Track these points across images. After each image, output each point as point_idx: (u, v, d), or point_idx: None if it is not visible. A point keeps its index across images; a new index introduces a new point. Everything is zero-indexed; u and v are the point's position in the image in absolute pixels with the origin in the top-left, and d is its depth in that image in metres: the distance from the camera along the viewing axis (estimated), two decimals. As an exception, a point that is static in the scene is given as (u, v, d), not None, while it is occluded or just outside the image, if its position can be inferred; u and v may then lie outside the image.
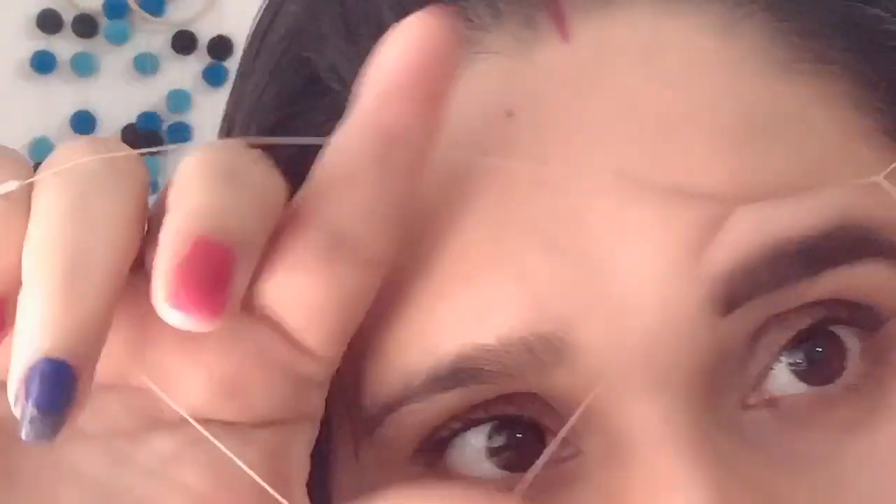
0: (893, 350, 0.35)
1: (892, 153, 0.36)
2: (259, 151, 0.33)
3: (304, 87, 0.38)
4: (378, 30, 0.33)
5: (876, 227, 0.34)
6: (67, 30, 1.69)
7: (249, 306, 0.32)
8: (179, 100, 1.74)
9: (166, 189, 0.32)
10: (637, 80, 0.35)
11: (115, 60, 1.72)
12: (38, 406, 0.29)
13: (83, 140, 0.33)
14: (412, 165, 0.32)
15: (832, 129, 0.36)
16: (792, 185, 0.34)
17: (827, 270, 0.34)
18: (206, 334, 0.31)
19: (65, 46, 1.69)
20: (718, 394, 0.34)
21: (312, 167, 0.33)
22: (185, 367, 0.32)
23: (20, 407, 0.30)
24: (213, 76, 1.75)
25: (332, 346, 0.33)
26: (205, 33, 1.74)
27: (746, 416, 0.35)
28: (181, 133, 1.75)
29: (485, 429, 0.35)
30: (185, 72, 1.75)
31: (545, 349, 0.33)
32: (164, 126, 1.75)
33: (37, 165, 0.33)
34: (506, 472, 0.35)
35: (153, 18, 1.72)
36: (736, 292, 0.33)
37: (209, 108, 1.74)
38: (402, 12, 0.34)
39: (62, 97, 1.70)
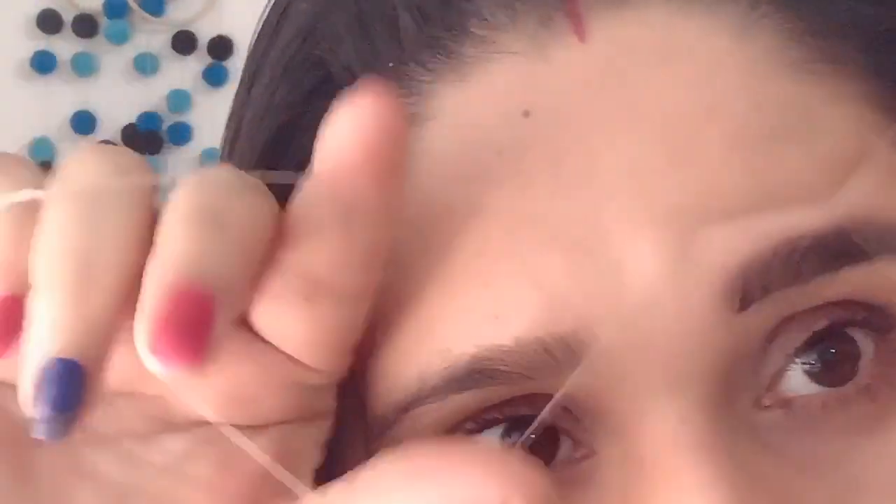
0: (906, 351, 0.35)
1: (907, 152, 0.36)
2: (249, 178, 0.32)
3: (316, 86, 0.38)
4: (393, 29, 0.33)
5: (893, 225, 0.35)
6: (67, 30, 1.69)
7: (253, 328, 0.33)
8: (179, 100, 1.75)
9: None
10: (652, 80, 0.35)
11: (115, 60, 1.72)
12: (51, 405, 0.30)
13: (93, 150, 0.33)
14: (379, 225, 0.32)
15: (847, 128, 0.36)
16: (808, 185, 0.34)
17: (844, 268, 0.34)
18: None
19: (65, 46, 1.69)
20: (734, 395, 0.34)
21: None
22: (194, 380, 0.32)
23: (33, 406, 0.30)
24: (213, 76, 1.75)
25: (334, 364, 0.33)
26: (205, 33, 1.74)
27: (761, 417, 0.35)
28: (181, 133, 1.75)
29: (499, 430, 0.35)
30: (185, 72, 1.75)
31: (561, 349, 0.33)
32: (164, 126, 1.75)
33: (38, 165, 0.33)
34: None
35: (153, 18, 1.72)
36: (751, 287, 0.33)
37: (209, 108, 1.74)
38: (416, 11, 0.33)
39: (62, 97, 1.70)
